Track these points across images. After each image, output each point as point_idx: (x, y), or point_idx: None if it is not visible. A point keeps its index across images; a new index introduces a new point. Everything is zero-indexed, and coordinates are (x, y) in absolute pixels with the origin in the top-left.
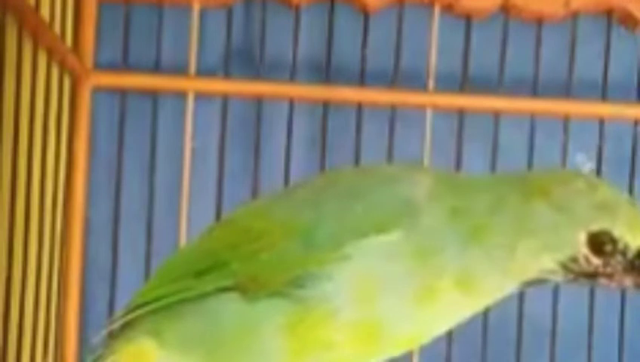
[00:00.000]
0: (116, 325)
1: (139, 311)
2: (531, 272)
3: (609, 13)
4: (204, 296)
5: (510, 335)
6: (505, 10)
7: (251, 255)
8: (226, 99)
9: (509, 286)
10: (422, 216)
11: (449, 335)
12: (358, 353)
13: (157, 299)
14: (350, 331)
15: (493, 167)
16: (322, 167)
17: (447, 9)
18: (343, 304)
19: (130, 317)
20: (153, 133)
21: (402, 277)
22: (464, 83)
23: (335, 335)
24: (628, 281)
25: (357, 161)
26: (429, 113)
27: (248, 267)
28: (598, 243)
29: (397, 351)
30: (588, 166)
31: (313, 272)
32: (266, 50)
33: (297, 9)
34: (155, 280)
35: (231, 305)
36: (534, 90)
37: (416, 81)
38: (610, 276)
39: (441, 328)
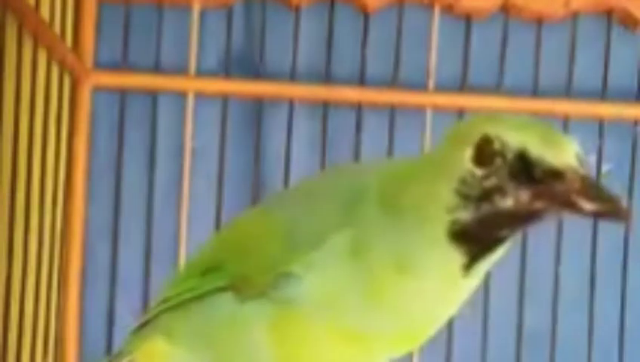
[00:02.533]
0: (138, 324)
1: (156, 310)
2: (443, 216)
3: (609, 13)
4: (204, 295)
5: (510, 339)
6: (505, 10)
7: (244, 255)
8: (226, 99)
9: (445, 250)
10: (365, 210)
11: (449, 338)
12: (346, 355)
13: (168, 299)
14: (332, 333)
15: None
16: (322, 167)
17: (447, 9)
18: (318, 306)
19: (150, 315)
20: (153, 133)
21: (359, 275)
22: (464, 83)
23: (318, 338)
24: (524, 195)
25: (357, 161)
26: (429, 113)
27: (240, 267)
28: (480, 152)
29: (394, 350)
30: (605, 167)
31: (289, 273)
32: (266, 50)
33: (297, 9)
34: (174, 278)
35: (225, 305)
36: (534, 90)
37: (416, 81)
38: (500, 190)
39: (421, 321)
